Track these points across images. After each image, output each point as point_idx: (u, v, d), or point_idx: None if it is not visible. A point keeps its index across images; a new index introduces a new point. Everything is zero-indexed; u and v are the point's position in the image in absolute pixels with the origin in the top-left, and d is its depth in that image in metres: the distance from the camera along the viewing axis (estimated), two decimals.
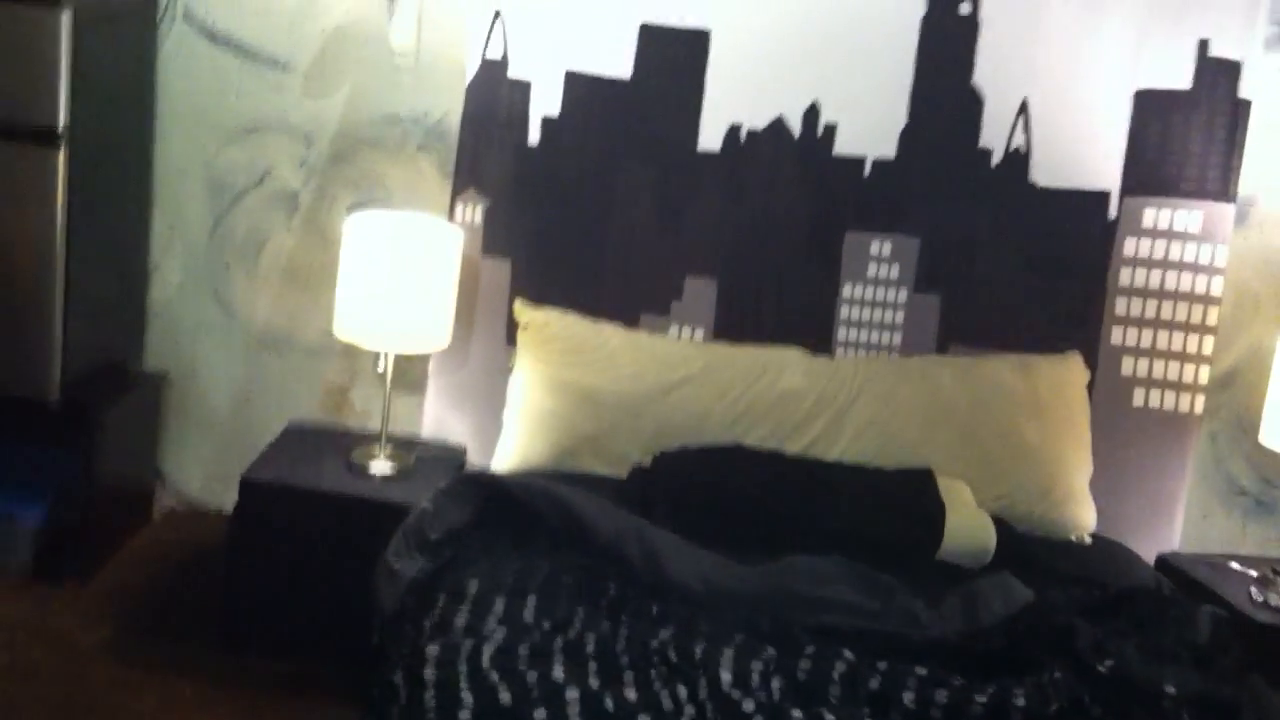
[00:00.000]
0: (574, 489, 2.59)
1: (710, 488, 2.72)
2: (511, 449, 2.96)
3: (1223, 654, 2.22)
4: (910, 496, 2.76)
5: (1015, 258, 3.11)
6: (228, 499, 2.91)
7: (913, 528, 2.67)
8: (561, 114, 3.10)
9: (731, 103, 3.09)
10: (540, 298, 3.09)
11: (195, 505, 3.45)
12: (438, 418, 3.19)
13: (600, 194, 3.13)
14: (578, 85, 3.09)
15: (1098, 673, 2.11)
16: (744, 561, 2.43)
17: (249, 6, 3.19)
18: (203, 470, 3.43)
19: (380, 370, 2.94)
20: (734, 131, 3.10)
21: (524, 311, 3.05)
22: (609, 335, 3.04)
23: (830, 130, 3.10)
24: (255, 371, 3.37)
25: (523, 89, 3.10)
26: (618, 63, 3.08)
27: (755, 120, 3.10)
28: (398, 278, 2.82)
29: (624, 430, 2.93)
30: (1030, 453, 2.93)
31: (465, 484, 2.59)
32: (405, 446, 3.03)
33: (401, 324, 2.86)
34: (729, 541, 2.51)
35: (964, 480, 2.85)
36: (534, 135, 3.11)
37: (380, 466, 2.93)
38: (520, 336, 3.04)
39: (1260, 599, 2.83)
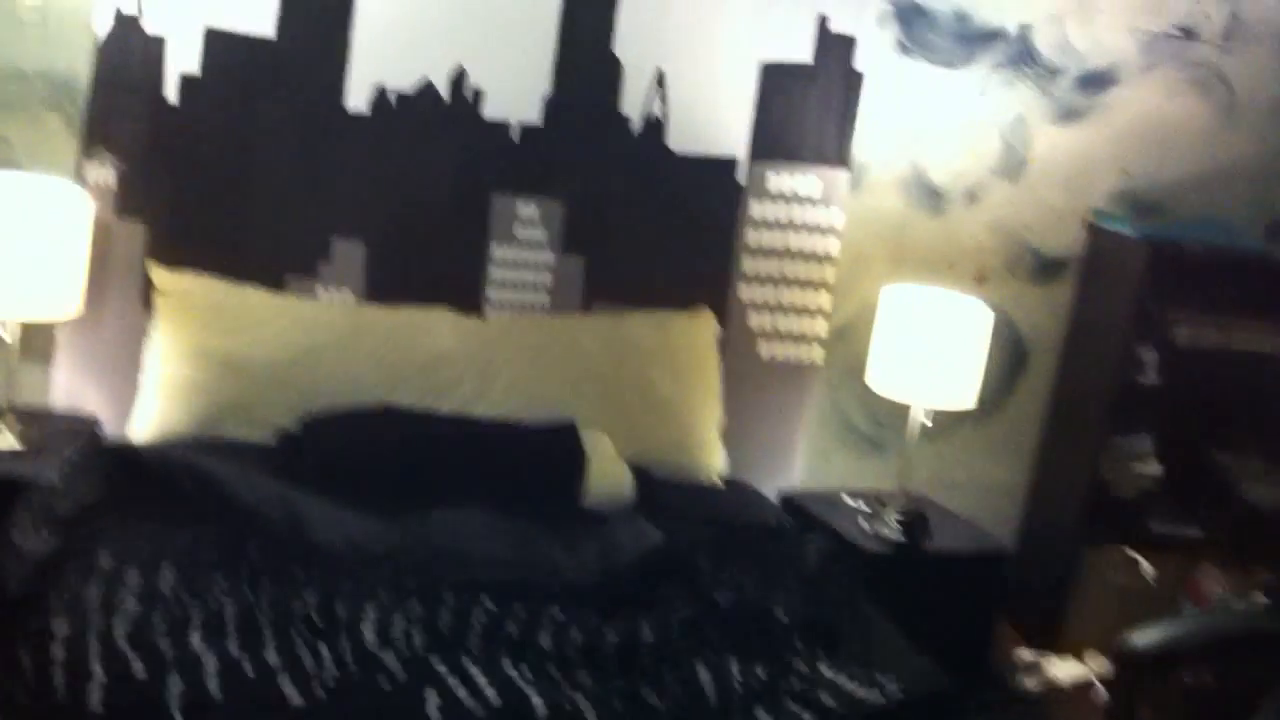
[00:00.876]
0: (215, 458, 2.56)
1: (357, 450, 2.74)
2: (151, 418, 2.87)
3: (829, 581, 2.46)
4: (553, 447, 2.87)
5: (653, 220, 3.26)
6: None
7: (555, 476, 2.79)
8: (202, 72, 3.01)
9: (379, 64, 3.08)
10: (181, 262, 2.99)
11: None
12: (70, 389, 3.05)
13: (243, 155, 3.06)
14: (218, 42, 3.01)
15: (717, 604, 2.29)
16: (392, 521, 2.49)
17: None
18: None
19: (4, 337, 2.78)
20: (382, 93, 3.10)
21: (161, 275, 2.96)
22: (252, 299, 2.99)
23: (478, 95, 3.14)
24: None
25: (158, 45, 2.98)
26: (260, 20, 3.02)
27: (403, 83, 3.11)
28: (16, 241, 2.68)
29: (270, 395, 2.90)
30: (665, 404, 3.11)
31: (97, 456, 2.52)
32: (33, 419, 2.89)
33: (24, 289, 2.72)
34: (378, 503, 2.55)
35: (605, 432, 2.99)
36: (172, 94, 3.00)
37: (4, 440, 2.78)
38: (158, 301, 2.95)
39: (869, 529, 3.12)
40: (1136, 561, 3.32)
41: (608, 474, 2.84)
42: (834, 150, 3.31)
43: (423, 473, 2.72)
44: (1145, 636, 2.00)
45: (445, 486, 2.67)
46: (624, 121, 3.22)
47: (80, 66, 3.00)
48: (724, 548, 2.55)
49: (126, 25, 2.96)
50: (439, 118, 3.12)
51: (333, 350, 2.96)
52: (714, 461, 3.16)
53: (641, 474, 2.92)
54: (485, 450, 2.82)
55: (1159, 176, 3.54)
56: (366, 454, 2.74)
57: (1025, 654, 3.30)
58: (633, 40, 3.17)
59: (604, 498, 2.81)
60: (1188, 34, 3.50)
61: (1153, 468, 3.41)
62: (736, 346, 3.33)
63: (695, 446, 3.13)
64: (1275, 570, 3.08)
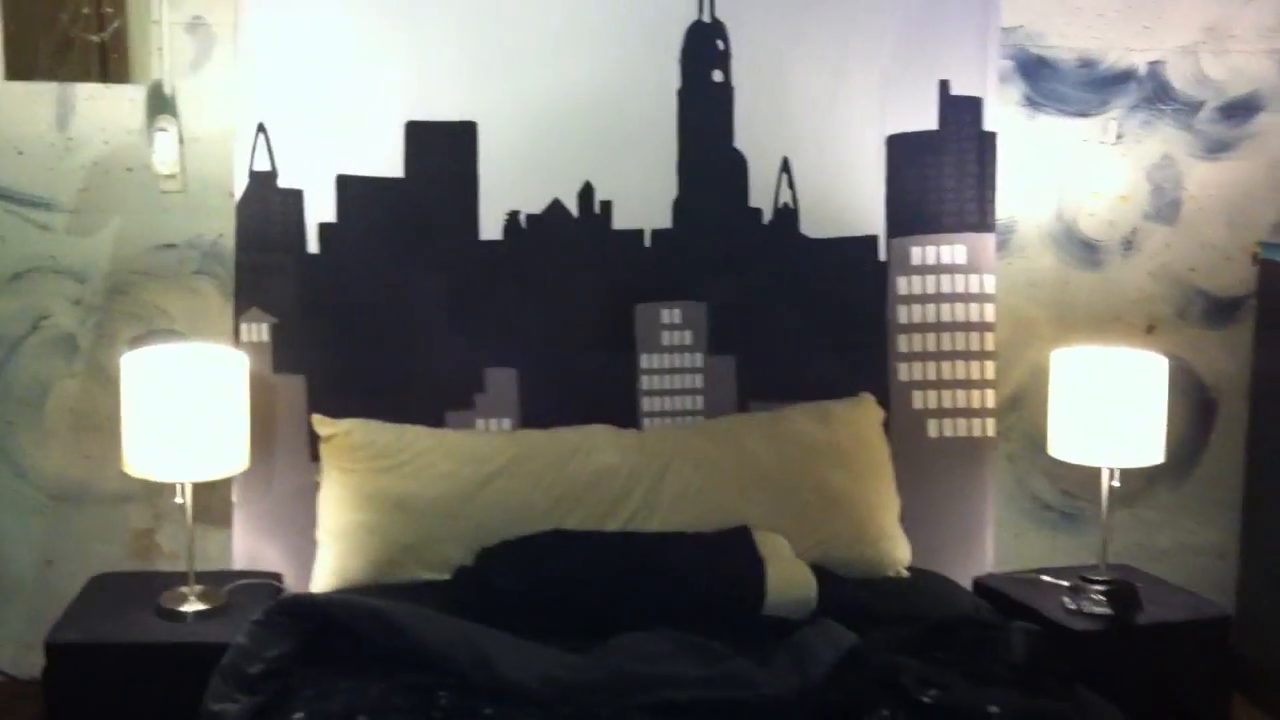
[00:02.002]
0: (397, 602, 2.54)
1: (534, 579, 2.70)
2: (328, 568, 2.89)
3: (1042, 669, 2.31)
4: (730, 556, 2.79)
5: (798, 310, 3.21)
6: (40, 666, 2.75)
7: (735, 586, 2.71)
8: (338, 219, 3.08)
9: (507, 190, 3.11)
10: (340, 410, 3.03)
11: (10, 677, 3.25)
12: (249, 547, 3.10)
13: (387, 296, 3.10)
14: (351, 188, 3.08)
15: (924, 704, 2.17)
16: (577, 650, 2.43)
17: (3, 146, 3.08)
18: (13, 639, 3.24)
19: (179, 501, 2.83)
20: (513, 218, 3.13)
21: (324, 424, 3.00)
22: (414, 437, 3.00)
23: (606, 207, 3.15)
24: (55, 528, 3.22)
25: (295, 197, 3.06)
26: (388, 162, 3.08)
27: (532, 206, 3.13)
28: (182, 408, 2.74)
29: (442, 532, 2.89)
30: (839, 497, 3.01)
31: (282, 612, 2.51)
32: (217, 581, 2.93)
33: (193, 452, 2.77)
34: (561, 632, 2.50)
35: (780, 533, 2.90)
36: (312, 244, 3.07)
37: (191, 606, 2.81)
38: (323, 450, 2.99)
39: (1074, 607, 2.94)
40: None
41: (788, 577, 2.75)
42: (975, 215, 3.22)
43: (601, 595, 2.66)
44: None
45: (625, 606, 2.60)
46: (754, 213, 3.18)
47: (225, 228, 3.10)
48: (923, 643, 2.42)
49: (262, 182, 3.05)
50: (571, 234, 3.13)
51: (497, 480, 2.94)
52: (898, 552, 3.04)
53: (823, 573, 2.82)
54: (660, 565, 2.75)
55: None
56: (543, 582, 2.69)
57: None
58: (753, 131, 3.16)
59: (787, 602, 2.70)
60: None
61: None
62: (904, 429, 3.23)
63: (875, 538, 3.02)
64: None
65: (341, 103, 3.04)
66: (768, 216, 3.19)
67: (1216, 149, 3.34)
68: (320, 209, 3.07)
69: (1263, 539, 3.33)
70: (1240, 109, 3.35)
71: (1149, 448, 2.96)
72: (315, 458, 3.02)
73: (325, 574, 2.89)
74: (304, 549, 3.00)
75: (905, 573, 3.03)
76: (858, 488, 3.04)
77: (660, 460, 3.01)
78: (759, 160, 3.17)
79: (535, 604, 2.62)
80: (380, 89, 3.04)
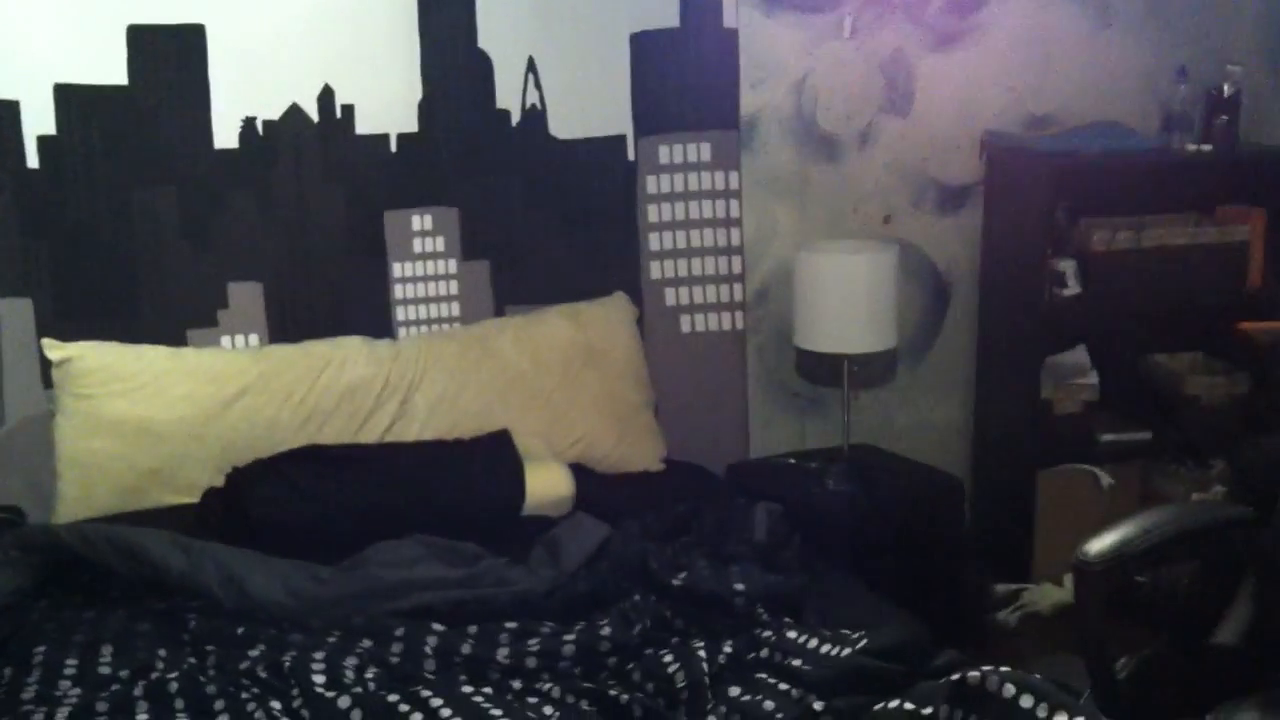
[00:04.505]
0: (141, 529, 2.46)
1: (288, 497, 2.65)
2: (70, 499, 2.79)
3: (782, 547, 2.40)
4: (488, 461, 2.80)
5: (550, 211, 3.20)
6: None
7: (493, 490, 2.72)
8: (59, 131, 2.90)
9: (242, 96, 2.99)
10: (74, 334, 2.89)
11: None
12: None
13: (117, 211, 2.95)
14: (71, 97, 2.90)
15: (673, 588, 2.24)
16: (332, 562, 2.41)
17: None
18: None
19: None
20: (249, 124, 3.00)
21: (54, 348, 2.85)
22: (152, 358, 2.89)
23: (348, 111, 3.06)
24: None
25: (9, 109, 2.86)
26: (111, 69, 2.91)
27: (269, 112, 3.01)
28: None
29: (188, 455, 2.82)
30: (594, 396, 3.05)
31: (14, 546, 2.40)
32: None
33: None
34: (318, 548, 2.47)
35: (538, 435, 2.92)
36: (32, 158, 2.89)
37: None
38: (55, 376, 2.85)
39: (816, 490, 3.07)
40: (1093, 475, 3.30)
41: (545, 478, 2.78)
42: (719, 112, 3.26)
43: (356, 513, 2.63)
44: (1099, 543, 1.95)
45: (382, 521, 2.58)
46: (503, 116, 3.14)
47: None
48: (671, 531, 2.49)
49: None
50: (311, 140, 3.03)
51: (244, 398, 2.87)
52: (653, 447, 3.11)
53: (581, 471, 2.87)
54: (417, 475, 2.73)
55: (1047, 90, 3.52)
56: (295, 501, 2.64)
57: (1000, 588, 3.28)
58: (497, 31, 3.10)
59: (545, 503, 2.74)
60: None
61: (1091, 379, 3.39)
62: (657, 326, 3.28)
63: (632, 435, 3.07)
64: (1231, 462, 3.05)
65: (55, 4, 2.85)
66: (516, 118, 3.15)
67: (945, 42, 3.45)
68: (38, 121, 2.88)
69: (993, 413, 3.54)
70: (966, 2, 3.45)
71: (882, 334, 3.09)
72: (50, 384, 2.88)
73: (67, 505, 2.79)
74: (44, 480, 2.87)
75: (661, 465, 3.10)
76: (612, 386, 3.08)
77: (415, 369, 2.98)
78: (504, 60, 3.12)
79: (285, 522, 2.58)
80: None
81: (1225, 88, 3.30)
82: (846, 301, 3.06)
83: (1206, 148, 3.30)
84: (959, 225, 3.54)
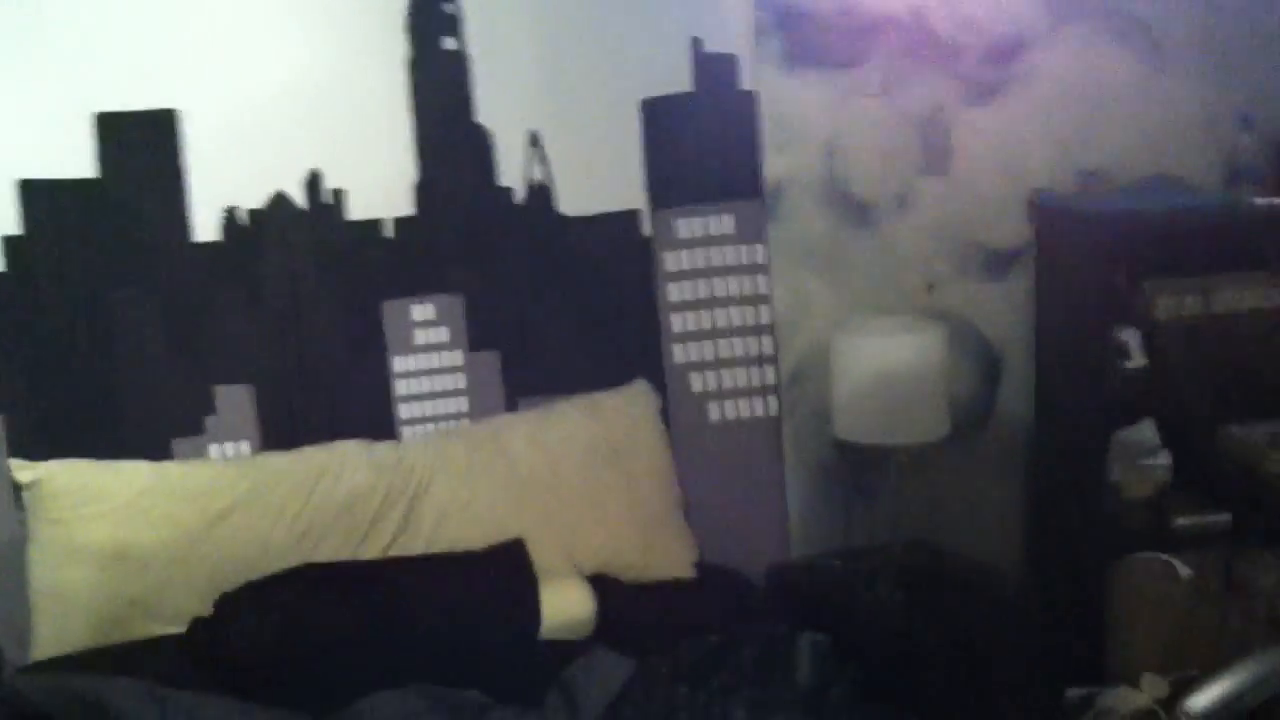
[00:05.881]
0: (112, 680, 2.20)
1: (277, 628, 2.38)
2: (45, 634, 2.55)
3: (829, 685, 2.12)
4: (499, 577, 2.54)
5: (562, 295, 2.95)
6: None
7: (505, 613, 2.46)
8: (25, 230, 2.68)
9: (222, 184, 2.76)
10: (50, 451, 2.66)
11: None
12: None
13: (91, 314, 2.72)
14: (37, 193, 2.68)
15: None
16: (326, 706, 2.15)
17: None
18: None
19: None
20: (231, 215, 2.77)
21: (23, 469, 2.62)
22: (130, 475, 2.64)
23: (339, 195, 2.83)
24: None
25: None
26: (79, 161, 2.68)
27: (252, 200, 2.78)
28: None
29: (173, 582, 2.57)
30: (617, 500, 2.79)
31: None
32: None
33: None
34: (310, 687, 2.21)
35: (557, 542, 2.67)
36: None
37: None
38: (27, 500, 2.61)
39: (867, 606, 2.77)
40: (1169, 564, 2.99)
41: (564, 595, 2.52)
42: (741, 181, 3.01)
43: (352, 638, 2.36)
44: (1202, 698, 1.67)
45: (381, 648, 2.32)
46: (505, 193, 2.91)
47: None
48: (704, 668, 2.21)
49: None
50: (300, 228, 2.80)
51: (232, 515, 2.63)
52: (684, 552, 2.84)
53: (605, 583, 2.61)
54: (420, 595, 2.47)
55: (1098, 142, 3.24)
56: (284, 631, 2.38)
57: (1071, 693, 2.96)
58: (496, 104, 2.87)
59: (563, 624, 2.47)
60: None
61: (1162, 459, 3.08)
62: (682, 414, 3.02)
63: (659, 539, 2.80)
64: None
65: (16, 94, 2.63)
66: (520, 196, 2.91)
67: (985, 95, 3.19)
68: (3, 220, 2.67)
69: (1054, 497, 3.23)
70: (1005, 51, 3.20)
71: (932, 422, 2.81)
72: (22, 507, 2.65)
73: (43, 642, 2.55)
74: (18, 612, 2.62)
75: (692, 572, 2.82)
76: (637, 487, 2.82)
77: (419, 475, 2.74)
78: (506, 135, 2.89)
79: (277, 660, 2.31)
80: (61, 75, 2.64)
81: None
82: (890, 388, 2.78)
83: (1278, 201, 3.02)
84: (1009, 292, 3.25)
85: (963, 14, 3.15)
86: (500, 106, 2.87)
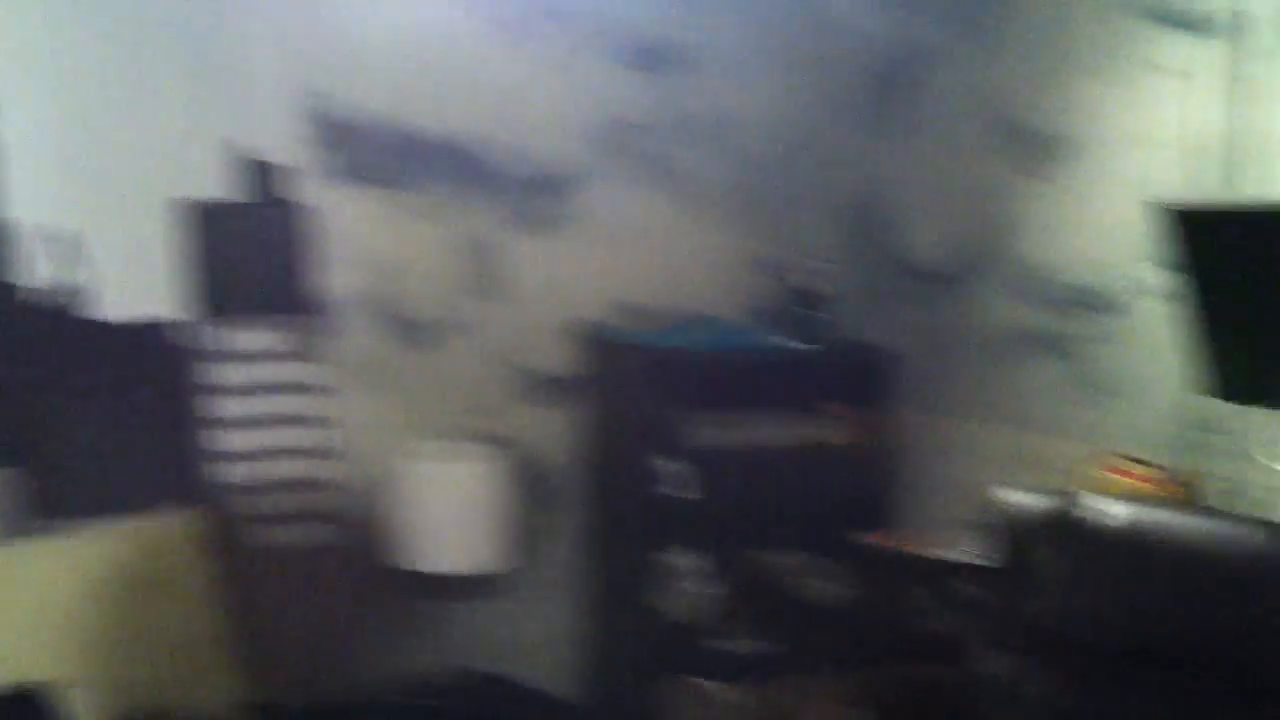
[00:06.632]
0: None
1: None
2: None
3: None
4: None
5: (97, 406, 2.68)
6: None
7: None
8: None
9: None
10: None
11: None
12: None
13: None
14: None
15: None
16: None
17: None
18: None
19: None
20: None
21: None
22: None
23: None
24: None
25: None
26: None
27: None
28: None
29: None
30: (159, 633, 2.52)
31: None
32: None
33: None
34: None
35: (96, 687, 2.37)
36: None
37: None
38: None
39: None
40: (712, 691, 3.07)
41: None
42: (289, 294, 2.91)
43: None
44: None
45: None
46: (30, 293, 2.61)
47: None
48: None
49: None
50: None
51: None
52: (231, 688, 2.60)
53: None
54: None
55: (641, 279, 3.40)
56: None
57: None
58: (27, 198, 2.61)
59: None
60: (630, 127, 3.39)
61: (704, 584, 3.21)
62: (233, 540, 2.80)
63: (204, 675, 2.55)
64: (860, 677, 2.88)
65: None
66: (52, 298, 2.63)
67: (534, 225, 3.26)
68: None
69: (604, 623, 3.29)
70: (550, 185, 3.29)
71: (490, 550, 2.81)
72: None
73: None
74: None
75: (241, 713, 2.58)
76: (180, 619, 2.56)
77: None
78: (36, 231, 2.62)
79: None
80: None
81: (816, 284, 3.29)
82: (447, 516, 2.75)
83: (807, 345, 3.26)
84: (561, 419, 3.32)
85: (513, 147, 3.23)
86: (31, 200, 2.61)
